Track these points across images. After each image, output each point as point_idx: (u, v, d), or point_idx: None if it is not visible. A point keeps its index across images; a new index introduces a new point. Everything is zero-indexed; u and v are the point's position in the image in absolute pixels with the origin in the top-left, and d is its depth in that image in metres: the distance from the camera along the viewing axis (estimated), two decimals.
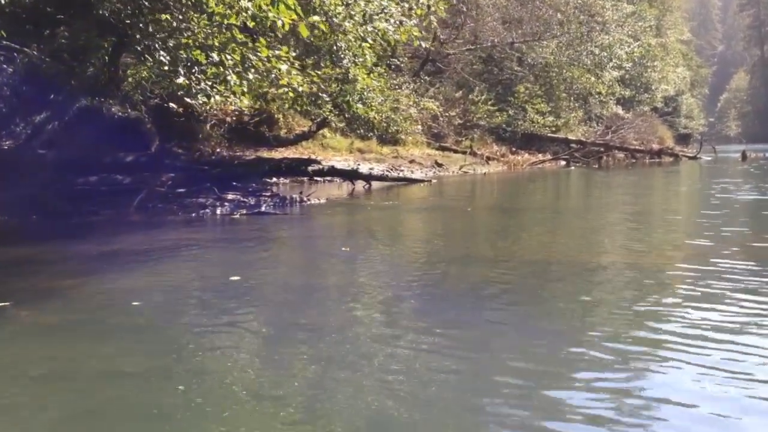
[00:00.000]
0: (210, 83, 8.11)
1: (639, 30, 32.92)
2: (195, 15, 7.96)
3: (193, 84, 7.86)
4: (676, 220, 9.77)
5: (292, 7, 6.94)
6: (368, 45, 11.15)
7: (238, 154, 18.11)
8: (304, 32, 7.14)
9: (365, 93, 13.40)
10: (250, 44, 7.41)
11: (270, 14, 7.18)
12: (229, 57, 7.54)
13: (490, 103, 25.68)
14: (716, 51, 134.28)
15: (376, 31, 10.92)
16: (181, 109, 8.60)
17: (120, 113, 13.80)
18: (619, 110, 32.73)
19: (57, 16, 12.85)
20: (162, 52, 7.90)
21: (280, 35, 8.17)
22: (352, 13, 10.77)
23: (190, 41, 7.89)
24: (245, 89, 7.89)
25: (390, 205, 11.72)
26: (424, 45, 12.68)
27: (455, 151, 23.41)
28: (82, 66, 12.58)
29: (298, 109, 12.30)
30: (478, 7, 20.81)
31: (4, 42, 12.74)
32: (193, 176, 12.35)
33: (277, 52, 7.68)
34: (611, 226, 8.77)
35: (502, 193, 15.66)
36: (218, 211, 10.05)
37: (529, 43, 23.68)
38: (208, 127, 18.18)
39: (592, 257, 6.26)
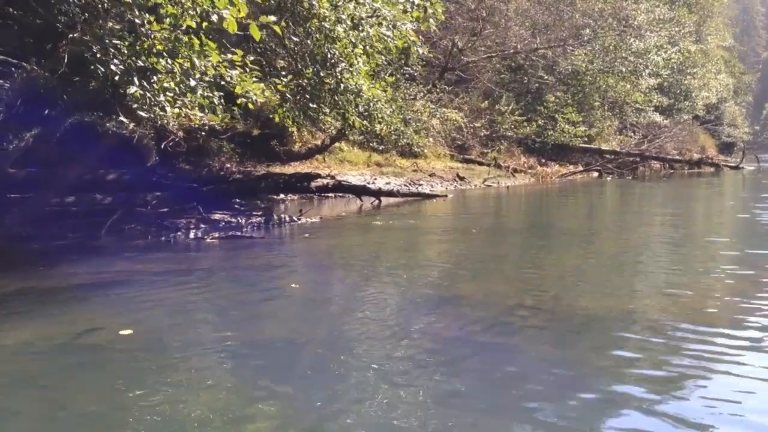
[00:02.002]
0: (171, 95, 7.03)
1: (677, 35, 31.11)
2: (150, 17, 6.91)
3: (148, 95, 6.79)
4: (719, 245, 8.32)
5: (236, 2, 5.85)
6: (360, 51, 10.00)
7: (248, 169, 17.17)
8: (256, 34, 6.02)
9: (372, 104, 12.22)
10: (197, 47, 6.32)
11: (221, 12, 6.11)
12: (179, 64, 6.46)
13: (517, 113, 24.30)
14: (761, 58, 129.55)
15: (368, 35, 9.78)
16: (132, 124, 7.55)
17: (115, 128, 12.93)
18: (657, 118, 30.89)
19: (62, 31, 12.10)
20: (115, 60, 6.86)
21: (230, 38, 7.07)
22: (342, 17, 9.66)
23: (145, 46, 6.83)
24: (211, 101, 6.82)
25: (390, 225, 10.52)
26: (421, 51, 11.39)
27: (480, 164, 22.09)
28: (84, 80, 11.76)
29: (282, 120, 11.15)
30: (499, 12, 19.48)
31: (1, 57, 11.90)
32: (182, 195, 11.38)
33: (229, 56, 6.58)
34: (648, 254, 7.44)
35: (523, 210, 14.31)
36: (192, 234, 8.99)
37: (555, 49, 22.21)
38: (217, 142, 17.32)
39: (622, 301, 5.04)
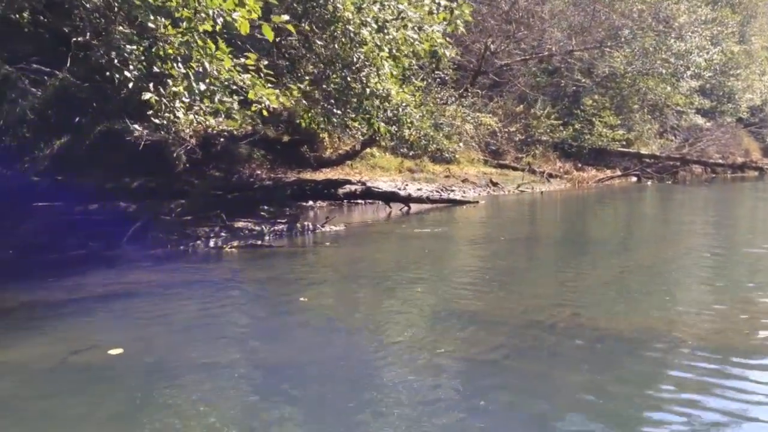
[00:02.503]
0: (187, 100, 6.78)
1: (720, 36, 30.07)
2: (166, 21, 6.69)
3: (163, 101, 6.56)
4: (766, 257, 7.75)
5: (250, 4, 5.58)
6: (386, 54, 9.66)
7: (278, 176, 16.97)
8: (269, 34, 5.74)
9: (400, 109, 11.88)
10: (210, 51, 6.05)
11: (235, 14, 5.85)
12: (193, 68, 6.21)
13: (553, 116, 23.67)
14: None
15: (393, 38, 9.44)
16: (146, 131, 7.35)
17: (145, 136, 12.84)
18: (699, 120, 29.85)
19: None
20: (130, 66, 6.65)
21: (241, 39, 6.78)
22: (367, 20, 9.35)
23: (161, 52, 6.60)
24: (229, 106, 6.55)
25: (416, 233, 10.16)
26: (448, 54, 10.99)
27: (514, 169, 21.54)
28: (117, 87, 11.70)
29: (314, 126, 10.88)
30: (534, 14, 18.90)
31: (34, 65, 11.88)
32: (207, 202, 11.19)
33: (243, 60, 6.30)
34: (689, 267, 6.97)
35: (556, 217, 13.81)
36: (211, 243, 8.76)
37: (592, 51, 21.55)
38: (247, 149, 17.16)
39: (656, 322, 4.64)
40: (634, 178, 24.52)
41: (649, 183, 23.75)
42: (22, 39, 10.80)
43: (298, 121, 11.37)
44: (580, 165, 23.86)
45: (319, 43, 10.17)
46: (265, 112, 6.75)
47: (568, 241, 9.70)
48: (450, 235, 9.95)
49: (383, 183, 17.30)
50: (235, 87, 6.24)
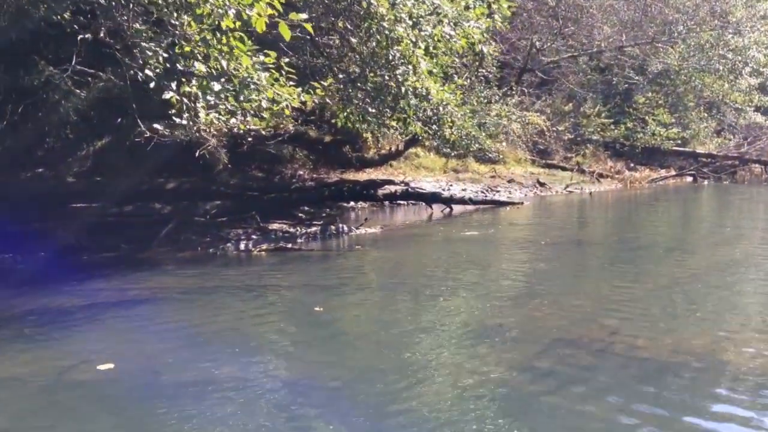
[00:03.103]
0: (212, 99, 6.50)
1: None
2: (188, 18, 6.42)
3: (185, 100, 6.29)
4: None
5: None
6: (422, 51, 9.22)
7: (321, 176, 16.70)
8: (286, 33, 5.38)
9: (441, 108, 11.42)
10: (226, 49, 5.74)
11: (252, 11, 5.53)
12: (213, 67, 5.92)
13: (604, 115, 22.79)
14: None
15: (429, 34, 9.00)
16: (167, 131, 7.10)
17: (183, 136, 12.69)
18: (759, 118, 28.41)
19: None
20: (150, 63, 6.41)
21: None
22: (402, 15, 8.93)
23: (186, 49, 6.33)
24: (260, 105, 6.24)
25: (454, 236, 9.71)
26: (485, 50, 10.48)
27: (563, 168, 20.80)
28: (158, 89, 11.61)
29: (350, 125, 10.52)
30: (581, 9, 18.10)
31: (78, 67, 11.85)
32: (244, 203, 10.95)
33: (262, 58, 5.97)
34: (742, 281, 6.35)
35: (605, 219, 13.13)
36: (242, 245, 8.49)
37: (643, 47, 20.62)
38: (289, 149, 16.95)
39: (702, 347, 4.13)
40: (690, 178, 23.45)
41: (705, 183, 22.68)
42: (65, 41, 10.76)
43: (333, 121, 11.03)
44: (632, 164, 22.94)
45: (353, 40, 9.82)
46: (287, 111, 6.40)
47: (614, 245, 9.10)
48: (490, 238, 9.45)
49: (427, 183, 16.86)
50: (254, 86, 5.91)
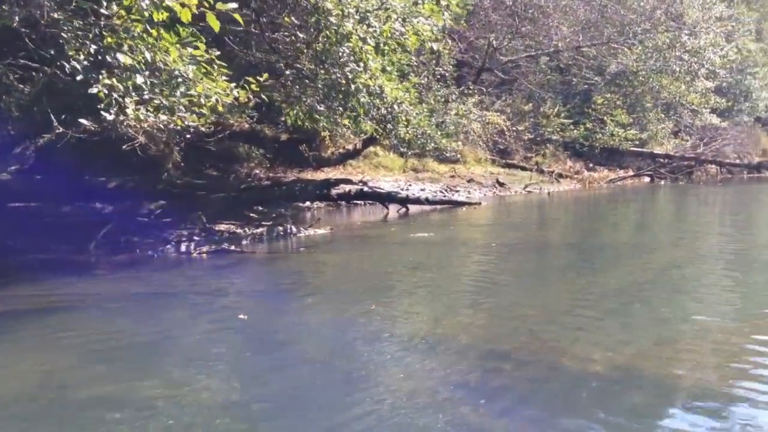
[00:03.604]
0: (137, 94, 6.10)
1: (736, 33, 28.92)
2: (117, 8, 6.01)
3: (114, 95, 5.88)
4: None
5: None
6: (371, 48, 8.92)
7: (278, 175, 16.31)
8: (214, 24, 5.04)
9: (396, 107, 11.12)
10: (152, 40, 5.36)
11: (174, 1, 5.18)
12: (136, 58, 5.53)
13: (563, 115, 22.74)
14: None
15: (377, 30, 8.70)
16: (94, 127, 6.67)
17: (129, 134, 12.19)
18: (715, 120, 28.70)
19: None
20: (71, 55, 5.99)
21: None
22: (349, 11, 8.62)
23: (110, 41, 5.92)
24: (176, 102, 5.86)
25: (405, 237, 9.42)
26: (436, 47, 10.24)
27: (523, 168, 20.70)
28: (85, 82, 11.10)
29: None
30: (538, 9, 17.94)
31: (21, 61, 11.27)
32: (192, 203, 10.52)
33: (190, 51, 5.60)
34: (699, 282, 6.13)
35: (561, 220, 12.97)
36: (183, 247, 8.09)
37: (601, 48, 20.58)
38: (245, 148, 16.53)
39: (656, 357, 3.89)
40: (647, 179, 23.56)
41: (662, 183, 22.80)
42: (11, 35, 10.24)
43: (283, 119, 10.68)
44: (591, 165, 22.96)
45: (301, 35, 9.48)
46: (220, 107, 6.03)
47: (569, 248, 8.91)
48: (443, 240, 9.17)
49: (386, 183, 16.56)
50: (181, 80, 5.53)
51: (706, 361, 3.73)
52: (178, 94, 5.96)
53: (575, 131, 23.19)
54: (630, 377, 3.51)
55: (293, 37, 9.92)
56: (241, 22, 5.94)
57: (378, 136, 13.88)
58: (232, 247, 7.96)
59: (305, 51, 10.03)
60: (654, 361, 3.73)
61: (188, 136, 7.47)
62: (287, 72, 9.66)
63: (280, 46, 10.69)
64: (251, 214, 11.23)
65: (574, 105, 23.82)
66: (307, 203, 13.36)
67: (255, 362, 3.85)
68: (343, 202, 13.20)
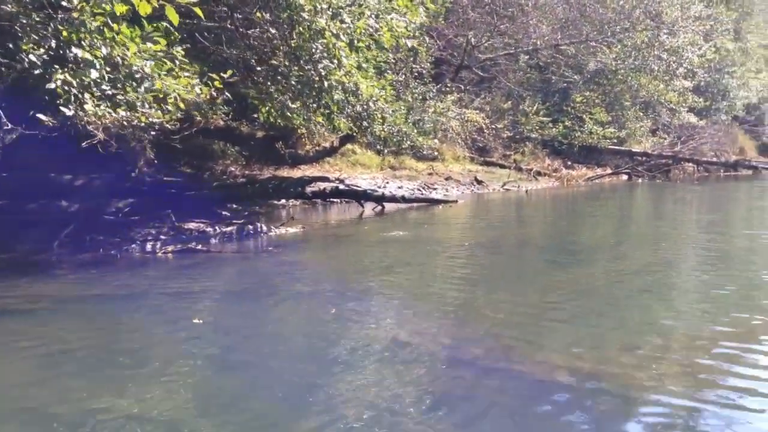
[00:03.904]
0: (108, 90, 5.89)
1: (714, 33, 29.05)
2: (78, 1, 5.79)
3: (73, 91, 5.67)
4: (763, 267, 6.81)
5: None
6: (344, 44, 8.76)
7: (254, 173, 16.08)
8: (173, 18, 4.85)
9: (371, 104, 10.95)
10: (109, 34, 5.16)
11: None
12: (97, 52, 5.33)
13: (542, 113, 22.68)
14: None
15: (350, 26, 8.54)
16: (51, 123, 6.45)
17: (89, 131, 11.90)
18: (692, 119, 28.83)
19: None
20: (26, 49, 5.80)
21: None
22: (321, 6, 8.45)
23: (65, 35, 5.72)
24: (136, 98, 5.66)
25: (378, 236, 9.27)
26: (410, 44, 10.10)
27: (502, 166, 20.62)
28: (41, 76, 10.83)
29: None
30: (516, 6, 17.83)
31: None
32: (161, 201, 10.28)
33: (150, 45, 5.40)
34: (672, 284, 6.06)
35: (537, 218, 12.88)
36: (147, 247, 7.88)
37: (579, 46, 20.53)
38: (220, 145, 16.29)
39: (622, 364, 3.76)
40: (626, 177, 23.58)
41: (640, 181, 22.83)
42: None
43: (255, 115, 10.48)
44: (570, 163, 22.93)
45: (273, 31, 9.29)
46: (181, 105, 5.84)
47: (543, 247, 8.80)
48: (415, 239, 9.01)
49: (363, 181, 16.39)
50: (138, 75, 5.34)
51: (670, 369, 3.61)
52: (141, 89, 5.77)
53: (554, 129, 23.15)
54: (593, 385, 3.39)
55: (268, 34, 9.73)
56: (202, 16, 5.76)
57: (355, 134, 13.72)
58: (199, 247, 7.77)
59: (280, 47, 9.85)
60: (618, 369, 3.61)
61: (153, 133, 7.25)
62: (258, 69, 9.45)
63: (255, 42, 10.50)
64: (223, 213, 11.04)
65: (553, 103, 23.78)
66: (283, 201, 13.16)
67: (204, 368, 3.68)
68: (319, 201, 13.03)
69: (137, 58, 5.25)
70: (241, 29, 10.35)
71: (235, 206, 11.88)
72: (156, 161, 13.29)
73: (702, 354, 3.83)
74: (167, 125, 7.35)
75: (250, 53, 10.64)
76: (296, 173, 16.23)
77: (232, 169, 16.01)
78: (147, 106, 6.20)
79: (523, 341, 4.11)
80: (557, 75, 22.97)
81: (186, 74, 5.75)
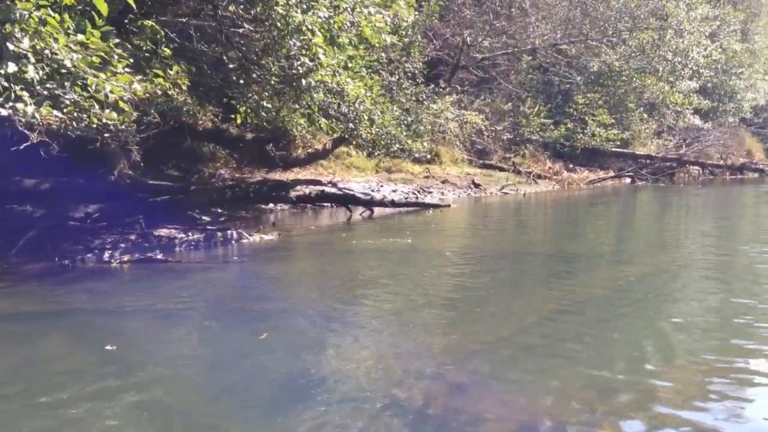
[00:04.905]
0: (54, 88, 5.30)
1: (721, 34, 28.27)
2: None
3: (13, 89, 5.09)
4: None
5: None
6: (321, 40, 8.16)
7: (244, 176, 15.51)
8: (102, 7, 4.27)
9: (357, 105, 10.35)
10: (34, 24, 4.57)
11: None
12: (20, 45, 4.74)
13: (543, 115, 21.98)
14: None
15: (326, 20, 7.94)
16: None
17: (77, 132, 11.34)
18: (697, 121, 28.03)
19: None
20: None
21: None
22: (293, 0, 7.86)
23: (17, 28, 5.12)
24: (63, 96, 5.08)
25: (361, 244, 8.67)
26: (388, 41, 9.49)
27: (501, 169, 19.95)
28: None
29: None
30: (514, 4, 17.16)
31: None
32: (133, 206, 9.72)
33: (80, 37, 4.82)
34: (672, 297, 5.44)
35: (531, 224, 12.22)
36: (105, 256, 7.29)
37: (579, 46, 19.83)
38: (209, 147, 15.74)
39: (616, 391, 3.13)
40: (628, 180, 22.85)
41: (643, 185, 22.08)
42: None
43: (233, 116, 9.90)
44: (571, 165, 22.23)
45: (247, 26, 8.71)
46: (122, 104, 5.24)
47: (531, 256, 8.15)
48: (398, 248, 8.37)
49: (357, 184, 15.80)
50: (65, 71, 4.75)
51: (633, 413, 2.99)
52: (67, 86, 5.17)
53: (556, 131, 22.48)
54: (584, 420, 2.79)
55: (243, 29, 9.16)
56: (134, 6, 5.15)
57: (347, 136, 13.11)
58: (159, 256, 7.18)
59: (256, 43, 9.29)
60: (612, 392, 2.99)
61: (107, 135, 6.66)
62: (231, 66, 8.87)
63: (236, 40, 9.92)
64: (203, 217, 10.47)
65: (555, 104, 23.10)
66: (271, 206, 12.58)
67: (110, 404, 3.09)
68: (308, 205, 12.43)
69: (65, 52, 4.66)
70: (213, 24, 9.78)
71: (220, 211, 11.33)
72: (141, 164, 12.75)
73: (685, 398, 3.21)
74: (121, 126, 6.76)
75: (223, 49, 10.08)
76: (288, 176, 15.64)
77: (222, 172, 15.45)
78: (96, 106, 5.62)
79: (522, 361, 3.50)
80: (559, 76, 22.27)
81: (128, 70, 5.16)
